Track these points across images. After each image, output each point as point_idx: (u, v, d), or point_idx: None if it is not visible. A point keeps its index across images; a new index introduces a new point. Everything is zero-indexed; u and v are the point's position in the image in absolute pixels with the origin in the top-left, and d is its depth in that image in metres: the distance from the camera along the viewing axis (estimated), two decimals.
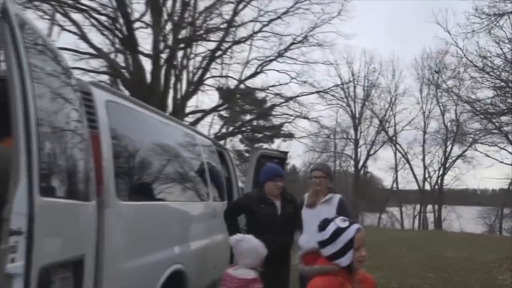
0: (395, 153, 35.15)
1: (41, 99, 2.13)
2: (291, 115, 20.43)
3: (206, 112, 18.53)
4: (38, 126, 2.04)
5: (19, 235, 1.91)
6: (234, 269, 3.32)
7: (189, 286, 3.93)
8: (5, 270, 1.88)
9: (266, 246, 3.69)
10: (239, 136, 25.34)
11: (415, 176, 34.10)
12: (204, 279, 4.57)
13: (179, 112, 15.27)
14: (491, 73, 14.02)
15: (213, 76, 18.30)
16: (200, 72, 17.19)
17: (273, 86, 19.39)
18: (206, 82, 18.02)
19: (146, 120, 3.80)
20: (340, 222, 2.21)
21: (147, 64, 14.95)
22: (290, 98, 19.69)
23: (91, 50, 14.39)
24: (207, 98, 35.26)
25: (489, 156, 25.11)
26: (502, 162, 24.36)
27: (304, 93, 20.13)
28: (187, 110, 17.26)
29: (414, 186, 34.68)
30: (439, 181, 33.41)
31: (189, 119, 17.26)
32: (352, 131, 36.06)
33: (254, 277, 3.24)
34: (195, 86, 17.04)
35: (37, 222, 1.96)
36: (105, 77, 15.55)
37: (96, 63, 15.22)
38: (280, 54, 18.19)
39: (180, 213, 4.12)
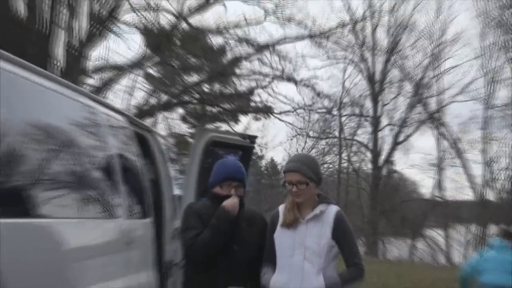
0: (438, 141, 35.81)
1: None
2: (266, 75, 20.56)
3: (121, 70, 18.42)
4: None
5: None
6: None
7: None
8: None
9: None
10: (180, 110, 25.31)
11: (471, 178, 34.78)
12: None
13: (75, 69, 15.12)
14: None
15: (133, 8, 18.15)
16: (110, 1, 17.03)
17: (236, 26, 19.44)
18: (122, 18, 17.87)
19: (12, 82, 3.75)
20: None
21: None
22: (265, 47, 19.77)
23: None
24: (123, 46, 35.05)
25: None
26: None
27: (288, 39, 20.25)
28: (89, 65, 17.12)
29: (470, 195, 35.37)
30: (511, 187, 34.06)
31: (94, 80, 17.16)
32: (369, 104, 36.50)
33: None
34: (103, 25, 16.88)
35: None
36: None
37: None
38: None
39: (70, 239, 4.10)
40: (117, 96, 19.60)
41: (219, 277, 4.34)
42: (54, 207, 4.05)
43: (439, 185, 36.35)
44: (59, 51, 15.68)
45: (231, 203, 4.37)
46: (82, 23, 16.48)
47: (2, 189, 3.50)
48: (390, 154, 37.05)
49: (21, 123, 3.82)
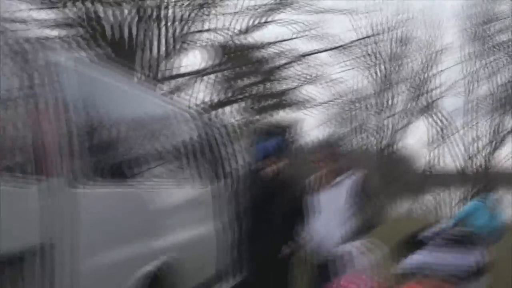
0: (431, 126, 35.33)
1: None
2: (299, 79, 20.48)
3: (191, 76, 18.49)
4: None
5: None
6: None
7: (176, 283, 4.09)
8: None
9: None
10: (235, 105, 25.38)
11: (456, 154, 34.38)
12: (190, 280, 4.71)
13: (157, 76, 15.24)
14: None
15: (200, 31, 18.19)
16: (182, 25, 17.09)
17: (275, 42, 19.35)
18: (191, 38, 17.93)
19: (108, 86, 3.85)
20: None
21: (116, 15, 14.97)
22: (298, 58, 19.65)
23: None
24: (192, 58, 35.12)
25: None
26: None
27: (315, 51, 20.09)
28: (167, 73, 17.23)
29: (457, 167, 35.03)
30: (487, 161, 33.68)
31: (170, 85, 17.25)
32: (376, 99, 36.13)
33: None
34: (177, 43, 16.96)
35: None
36: (63, 32, 15.45)
37: (50, 14, 15.14)
38: (282, 2, 18.09)
39: (155, 200, 4.22)
40: (187, 95, 19.64)
41: (264, 226, 4.37)
42: (153, 177, 4.24)
43: (433, 159, 36.17)
44: (145, 64, 15.86)
45: (269, 170, 4.39)
46: (161, 42, 16.64)
47: (119, 165, 3.73)
48: (394, 136, 36.72)
49: (127, 119, 4.03)
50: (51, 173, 2.75)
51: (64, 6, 14.72)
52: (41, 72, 2.89)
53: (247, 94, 22.45)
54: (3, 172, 2.38)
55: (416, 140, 47.78)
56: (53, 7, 14.74)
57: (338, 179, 4.28)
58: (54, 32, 15.03)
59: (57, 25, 15.19)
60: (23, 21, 13.69)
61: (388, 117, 36.13)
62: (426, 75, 35.02)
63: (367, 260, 3.47)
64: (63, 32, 15.16)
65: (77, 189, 2.98)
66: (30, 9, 14.39)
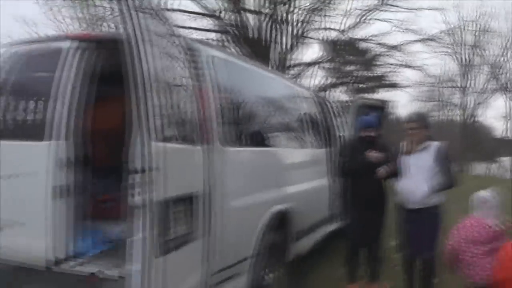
0: (509, 100, 32.20)
1: (155, 57, 2.32)
2: (394, 65, 19.54)
3: (308, 65, 18.31)
4: (154, 82, 2.25)
5: (141, 174, 2.19)
6: (483, 220, 3.36)
7: (294, 224, 4.09)
8: (130, 203, 2.18)
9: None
10: (342, 87, 24.82)
11: None
12: (308, 220, 4.69)
13: (283, 65, 15.29)
14: None
15: (315, 29, 17.90)
16: (302, 25, 16.92)
17: (375, 35, 18.54)
18: (308, 35, 17.73)
19: (249, 73, 3.91)
20: None
21: (254, 21, 15.21)
22: (393, 47, 18.70)
23: (203, 11, 14.98)
24: (312, 50, 34.50)
25: None
26: None
27: (407, 41, 18.99)
28: (291, 63, 17.21)
29: None
30: None
31: (293, 72, 17.22)
32: (459, 79, 33.47)
33: (503, 230, 3.31)
34: (298, 39, 16.86)
35: (155, 163, 2.21)
36: (218, 35, 16.01)
37: (208, 23, 15.74)
38: (383, 2, 17.20)
39: (283, 159, 4.22)
40: (306, 79, 19.47)
41: (362, 182, 4.23)
42: (281, 141, 4.28)
43: (507, 129, 33.01)
44: (275, 56, 15.96)
45: (374, 155, 4.16)
46: (288, 39, 16.58)
47: (257, 133, 3.79)
48: (474, 110, 33.89)
49: (257, 96, 4.01)
50: (209, 138, 2.85)
51: (219, 16, 15.26)
52: (203, 63, 3.01)
53: (353, 78, 21.87)
54: (178, 136, 2.50)
55: (494, 113, 43.91)
56: (211, 17, 15.35)
57: (425, 144, 4.03)
58: (212, 35, 15.68)
59: (213, 30, 15.81)
60: (191, 27, 14.40)
61: (469, 93, 33.44)
62: (503, 58, 31.74)
63: (495, 204, 3.28)
64: (218, 35, 15.76)
65: (227, 149, 3.07)
66: (196, 19, 15.18)
